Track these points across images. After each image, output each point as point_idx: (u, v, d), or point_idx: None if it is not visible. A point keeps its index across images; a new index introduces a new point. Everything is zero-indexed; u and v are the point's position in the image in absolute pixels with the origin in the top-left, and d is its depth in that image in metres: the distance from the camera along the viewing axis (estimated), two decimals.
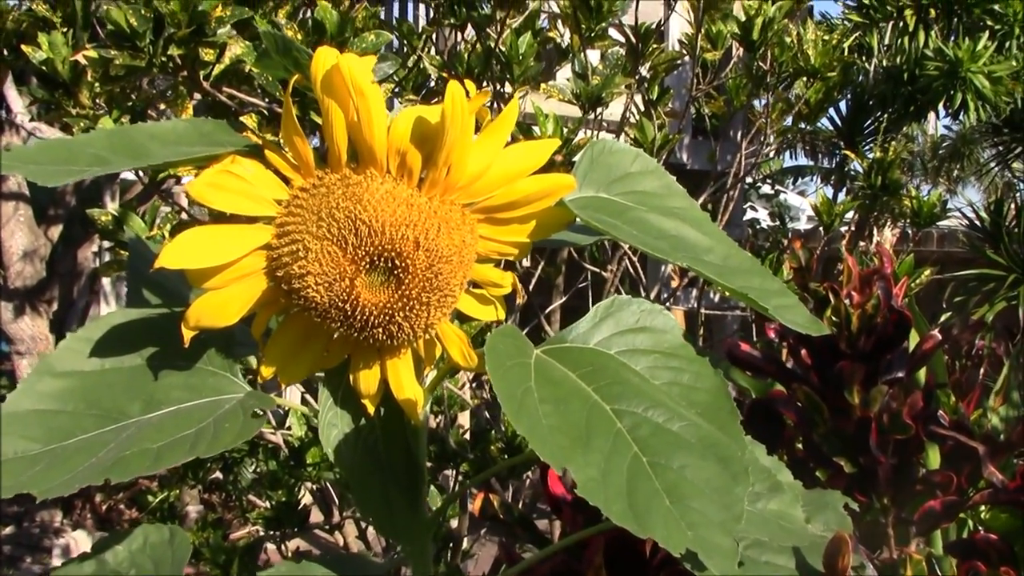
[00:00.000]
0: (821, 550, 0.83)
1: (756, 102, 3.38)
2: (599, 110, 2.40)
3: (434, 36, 2.51)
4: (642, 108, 2.78)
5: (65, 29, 1.81)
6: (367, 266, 0.65)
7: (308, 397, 2.11)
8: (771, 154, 3.59)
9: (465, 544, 2.41)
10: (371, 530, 2.42)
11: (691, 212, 0.75)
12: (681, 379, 0.69)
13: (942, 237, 7.07)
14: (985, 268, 5.26)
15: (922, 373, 1.67)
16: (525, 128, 2.18)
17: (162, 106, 1.94)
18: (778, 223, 4.95)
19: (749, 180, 4.79)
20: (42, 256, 3.93)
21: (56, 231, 4.12)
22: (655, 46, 2.58)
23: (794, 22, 3.04)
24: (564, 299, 3.10)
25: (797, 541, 0.81)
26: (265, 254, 0.66)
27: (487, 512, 1.18)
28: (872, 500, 1.44)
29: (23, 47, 1.76)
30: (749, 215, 5.43)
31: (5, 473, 0.64)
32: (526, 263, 2.76)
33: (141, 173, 1.90)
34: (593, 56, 2.54)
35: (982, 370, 1.98)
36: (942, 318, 4.51)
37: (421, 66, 2.18)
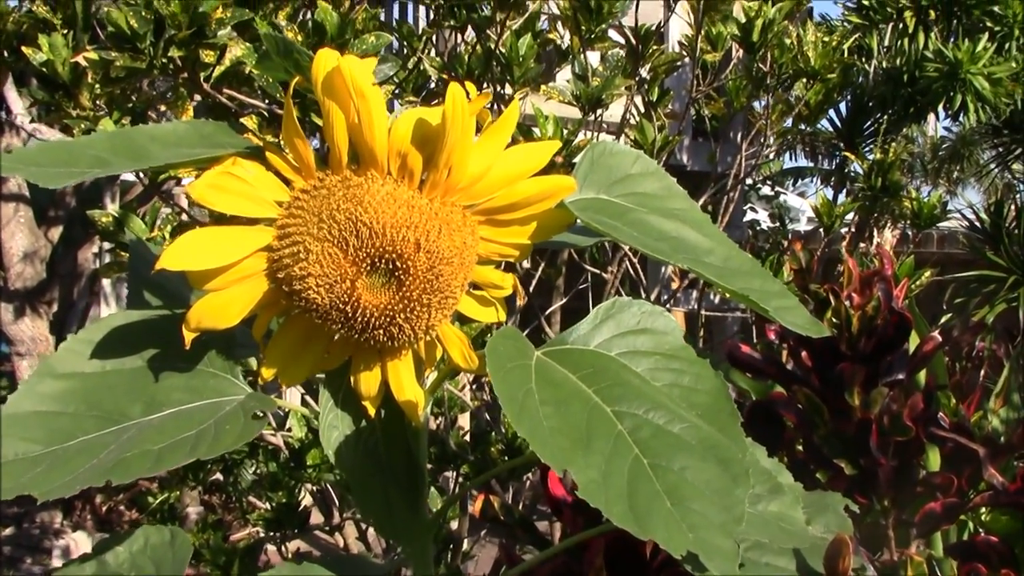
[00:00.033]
0: (822, 552, 0.83)
1: (756, 103, 3.38)
2: (599, 112, 2.40)
3: (434, 38, 2.51)
4: (642, 109, 2.78)
5: (65, 31, 1.81)
6: (368, 268, 0.65)
7: (308, 399, 2.11)
8: (771, 155, 3.60)
9: (465, 545, 2.40)
10: (371, 531, 2.42)
11: (692, 214, 0.75)
12: (682, 381, 0.69)
13: (942, 238, 7.07)
14: (985, 270, 5.26)
15: (922, 375, 1.67)
16: (525, 129, 2.18)
17: (162, 108, 1.94)
18: (778, 224, 4.95)
19: (749, 181, 4.79)
20: (42, 257, 3.93)
21: (56, 232, 4.12)
22: (655, 48, 2.58)
23: (794, 24, 3.04)
24: (564, 300, 3.10)
25: (798, 543, 0.81)
26: (266, 256, 0.66)
27: (487, 514, 1.18)
28: (873, 502, 1.44)
29: (23, 49, 1.77)
30: (749, 216, 5.43)
31: (6, 474, 0.64)
32: (526, 264, 2.76)
33: (141, 174, 1.90)
34: (593, 58, 2.55)
35: (982, 372, 1.98)
36: (942, 320, 4.51)
37: (421, 68, 2.19)
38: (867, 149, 5.12)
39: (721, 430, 0.66)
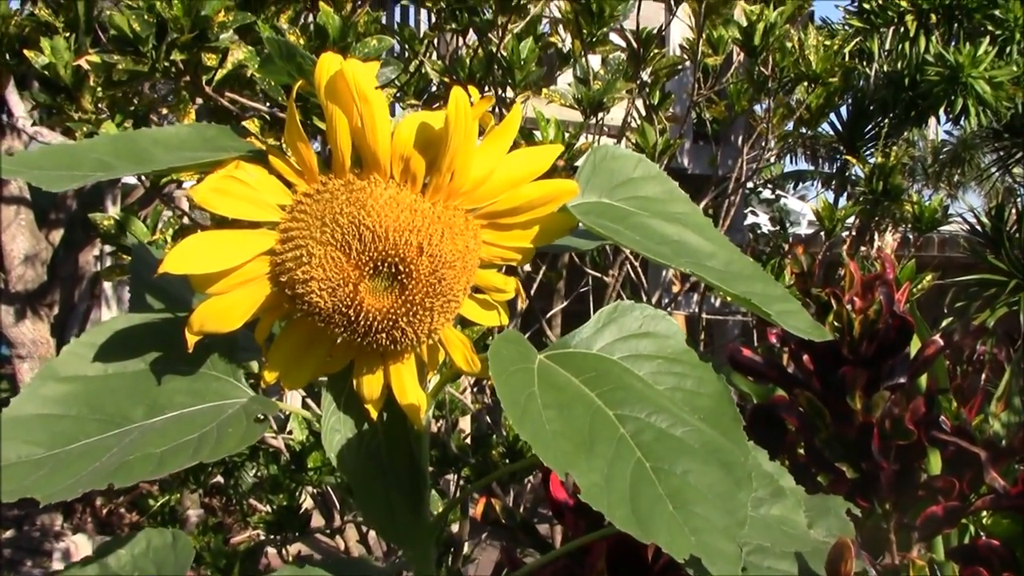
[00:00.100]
0: (823, 556, 0.83)
1: (757, 107, 3.39)
2: (600, 115, 2.40)
3: (436, 41, 2.52)
4: (643, 113, 2.78)
5: (68, 34, 1.82)
6: (371, 271, 0.65)
7: (309, 401, 2.11)
8: (772, 159, 3.60)
9: (466, 549, 2.40)
10: (372, 534, 2.42)
11: (693, 217, 0.76)
12: (684, 384, 0.69)
13: (943, 242, 7.07)
14: (986, 273, 5.26)
15: (924, 379, 1.67)
16: (526, 132, 2.18)
17: (164, 111, 1.95)
18: (779, 228, 4.95)
19: (750, 185, 4.79)
20: (43, 260, 3.93)
21: (57, 235, 4.12)
22: (656, 51, 2.59)
23: (795, 27, 3.04)
24: (565, 303, 3.10)
25: (800, 546, 0.81)
26: (269, 259, 0.67)
27: (489, 517, 1.18)
28: (874, 505, 1.44)
29: (25, 52, 1.77)
30: (750, 220, 5.44)
31: (9, 477, 0.64)
32: (527, 267, 2.76)
33: (143, 177, 1.90)
34: (594, 61, 2.55)
35: (983, 376, 1.97)
36: (943, 323, 4.51)
37: (423, 71, 2.19)
38: (868, 153, 5.12)
39: (724, 434, 0.66)
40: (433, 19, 2.33)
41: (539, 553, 1.17)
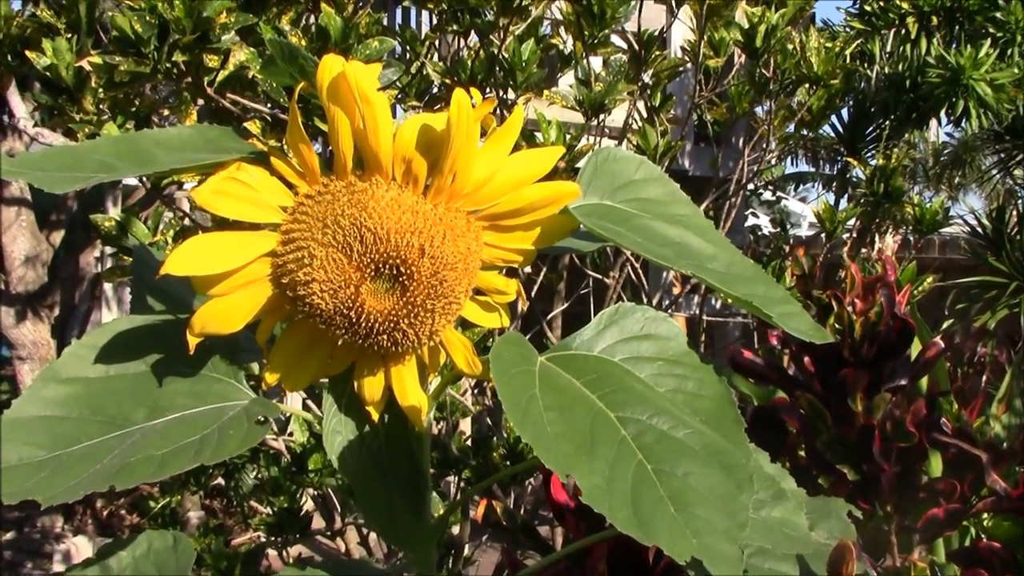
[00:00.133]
0: (825, 558, 0.83)
1: (758, 109, 3.39)
2: (602, 116, 2.40)
3: (437, 43, 2.52)
4: (644, 115, 2.78)
5: (69, 35, 1.82)
6: (372, 273, 0.65)
7: (310, 403, 2.11)
8: (773, 161, 3.60)
9: (467, 551, 2.40)
10: (373, 536, 2.42)
11: (695, 219, 0.76)
12: (685, 386, 0.69)
13: (944, 244, 7.07)
14: (987, 275, 5.26)
15: (925, 381, 1.67)
16: (527, 134, 2.18)
17: (165, 112, 1.95)
18: (779, 230, 4.95)
19: (751, 187, 4.79)
20: (44, 261, 3.92)
21: (58, 236, 4.12)
22: (658, 53, 2.59)
23: (797, 29, 3.04)
24: (566, 305, 3.10)
25: (801, 549, 0.81)
26: (270, 261, 0.67)
27: (490, 519, 1.18)
28: (875, 508, 1.44)
29: (27, 53, 1.77)
30: (751, 221, 5.43)
31: (10, 479, 0.64)
32: (528, 269, 2.76)
33: (144, 179, 1.90)
34: (596, 63, 2.55)
35: (984, 378, 1.98)
36: (944, 325, 4.51)
37: (424, 72, 2.19)
38: (869, 155, 5.13)
39: (725, 436, 0.66)
40: (434, 21, 2.34)
41: (540, 555, 1.17)
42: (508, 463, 2.08)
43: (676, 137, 2.80)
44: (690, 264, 0.70)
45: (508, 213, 0.68)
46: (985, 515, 1.56)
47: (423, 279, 0.65)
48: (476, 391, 2.55)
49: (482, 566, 2.60)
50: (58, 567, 4.15)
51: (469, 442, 2.27)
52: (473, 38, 2.36)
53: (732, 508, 0.62)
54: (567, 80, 2.64)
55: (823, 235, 3.39)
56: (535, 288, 2.75)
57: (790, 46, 2.92)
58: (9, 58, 1.98)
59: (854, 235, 4.05)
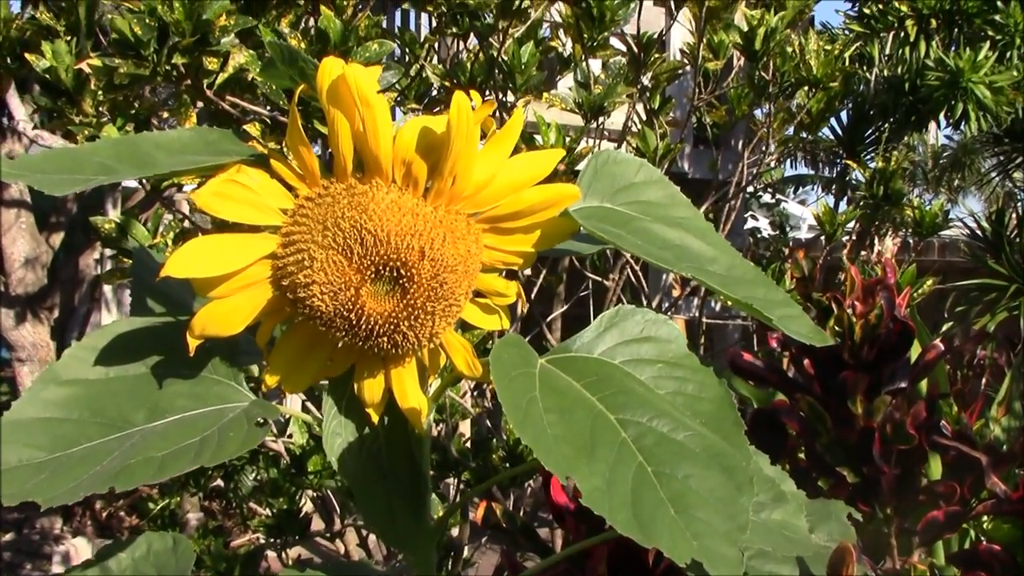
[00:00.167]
0: (825, 560, 0.83)
1: (757, 111, 3.39)
2: (601, 119, 2.41)
3: (436, 45, 2.52)
4: (644, 117, 2.78)
5: (69, 37, 1.82)
6: (372, 275, 0.65)
7: (310, 405, 2.11)
8: (772, 163, 3.60)
9: (466, 553, 2.40)
10: (372, 538, 2.42)
11: (695, 222, 0.76)
12: (685, 389, 0.69)
13: (943, 247, 7.08)
14: (986, 278, 5.26)
15: (925, 383, 1.67)
16: (527, 137, 2.18)
17: (165, 115, 1.95)
18: (779, 232, 4.95)
19: (750, 189, 4.80)
20: (44, 263, 3.92)
21: (58, 238, 4.12)
22: (657, 55, 2.59)
23: (796, 32, 3.04)
24: (565, 307, 3.10)
25: (801, 551, 0.81)
26: (270, 263, 0.67)
27: (490, 521, 1.18)
28: (875, 510, 1.44)
29: (26, 55, 1.77)
30: (750, 224, 5.44)
31: (9, 481, 0.64)
32: (527, 271, 2.76)
33: (144, 181, 1.90)
34: (595, 65, 2.55)
35: (984, 381, 1.98)
36: (943, 328, 4.51)
37: (424, 75, 2.19)
38: (868, 157, 5.13)
39: (725, 438, 0.66)
40: (434, 23, 2.34)
41: (539, 557, 1.17)
42: (508, 465, 2.08)
43: (675, 140, 2.80)
44: (691, 267, 0.70)
45: (508, 216, 0.68)
46: (985, 518, 1.56)
47: (423, 281, 0.65)
48: (475, 393, 2.55)
49: (481, 568, 2.60)
50: (57, 568, 4.14)
51: (469, 444, 2.27)
52: (472, 41, 2.37)
53: (732, 510, 0.62)
54: (566, 83, 2.64)
55: (823, 238, 3.39)
56: (535, 290, 2.75)
57: (789, 49, 2.92)
58: (8, 60, 1.98)
59: (854, 238, 4.05)
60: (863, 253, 3.89)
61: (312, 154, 0.66)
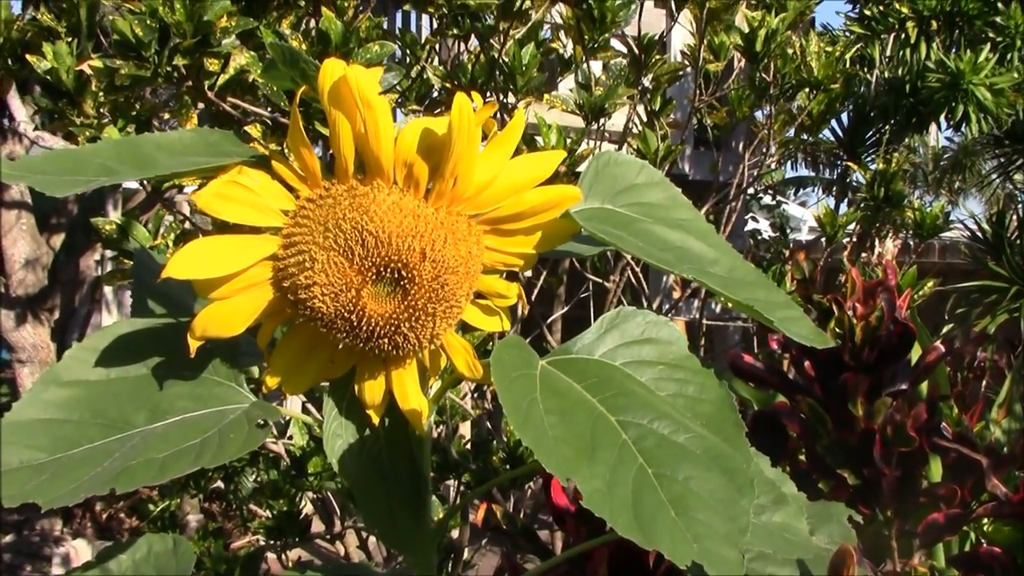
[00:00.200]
0: (825, 562, 0.83)
1: (758, 113, 3.39)
2: (602, 121, 2.41)
3: (437, 46, 2.52)
4: (645, 119, 2.78)
5: (70, 39, 1.82)
6: (373, 277, 0.65)
7: (310, 407, 2.11)
8: (773, 165, 3.60)
9: (466, 554, 2.40)
10: (372, 540, 2.42)
11: (696, 224, 0.75)
12: (686, 391, 0.69)
13: (944, 248, 7.07)
14: (987, 280, 5.26)
15: (925, 385, 1.67)
16: (527, 138, 2.18)
17: (166, 116, 1.95)
18: (780, 234, 4.95)
19: (751, 191, 4.80)
20: (44, 264, 3.92)
21: (58, 239, 4.11)
22: (658, 57, 2.59)
23: (797, 34, 3.05)
24: (566, 309, 3.10)
25: (801, 553, 0.81)
26: (271, 264, 0.67)
27: (490, 522, 1.18)
28: (876, 512, 1.44)
29: (28, 56, 1.77)
30: (751, 226, 5.43)
31: (10, 482, 0.64)
32: (528, 273, 2.76)
33: (144, 182, 1.90)
34: (596, 67, 2.55)
35: (985, 382, 1.98)
36: (944, 329, 4.51)
37: (424, 76, 2.19)
38: (869, 159, 5.14)
39: (726, 440, 0.66)
40: (435, 25, 2.34)
41: (540, 559, 1.17)
42: (508, 467, 2.08)
43: (676, 141, 2.80)
44: (692, 268, 0.70)
45: (509, 217, 0.68)
46: (985, 520, 1.56)
47: (424, 283, 0.65)
48: (476, 395, 2.55)
49: (482, 570, 2.60)
50: (57, 570, 4.14)
51: (469, 446, 2.27)
52: (473, 42, 2.37)
53: (733, 512, 0.62)
54: (567, 84, 2.64)
55: (823, 239, 3.39)
56: (535, 292, 2.75)
57: (790, 50, 2.93)
58: (9, 62, 1.98)
59: (854, 239, 4.05)
60: (864, 255, 3.89)
61: (313, 155, 0.66)
